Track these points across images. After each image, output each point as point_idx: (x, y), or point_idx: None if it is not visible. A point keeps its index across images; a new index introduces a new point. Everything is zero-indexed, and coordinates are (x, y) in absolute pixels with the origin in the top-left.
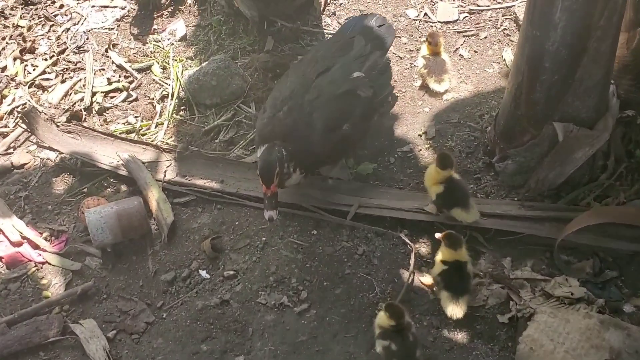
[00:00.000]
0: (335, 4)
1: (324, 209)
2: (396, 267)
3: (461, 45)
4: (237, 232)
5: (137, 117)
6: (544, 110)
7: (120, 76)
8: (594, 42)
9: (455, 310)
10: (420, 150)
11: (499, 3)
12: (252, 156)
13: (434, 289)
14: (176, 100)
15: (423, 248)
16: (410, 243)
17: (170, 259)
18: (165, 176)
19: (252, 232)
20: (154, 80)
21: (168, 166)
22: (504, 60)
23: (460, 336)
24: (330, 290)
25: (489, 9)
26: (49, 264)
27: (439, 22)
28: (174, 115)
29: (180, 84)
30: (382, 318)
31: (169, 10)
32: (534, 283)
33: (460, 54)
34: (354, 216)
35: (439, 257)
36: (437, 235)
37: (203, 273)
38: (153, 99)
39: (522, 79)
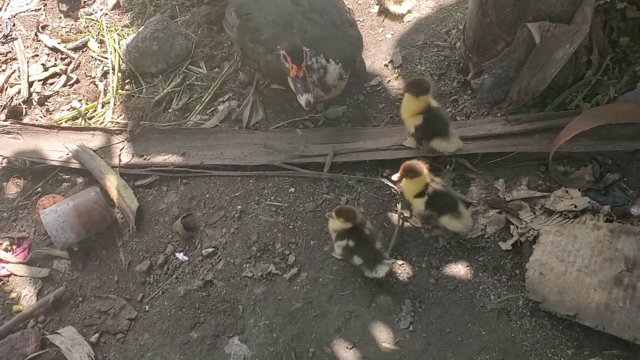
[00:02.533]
0: None
1: (298, 164)
2: (384, 211)
3: None
4: (209, 205)
5: (81, 100)
6: (514, 12)
7: (56, 59)
8: None
9: (459, 224)
10: (389, 81)
11: None
12: (212, 119)
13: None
14: (119, 74)
15: None
16: (393, 185)
17: (142, 248)
18: (120, 160)
19: (225, 203)
20: (92, 57)
21: (122, 149)
22: None
23: (463, 272)
24: (319, 249)
25: None
26: (15, 275)
27: None
28: (120, 90)
29: (120, 56)
30: (335, 223)
31: None
32: (532, 201)
33: None
34: (331, 166)
35: (410, 194)
36: (395, 177)
37: (180, 256)
38: (94, 77)
39: None
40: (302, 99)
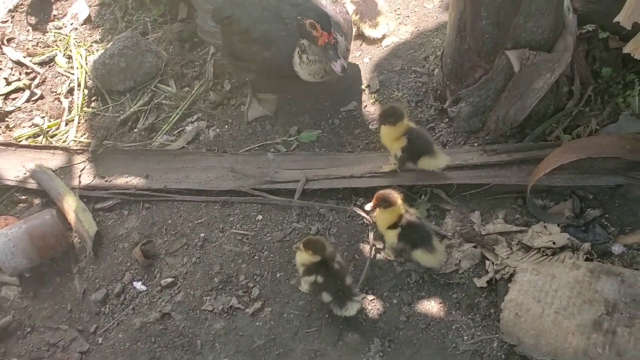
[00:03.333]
0: None
1: (267, 190)
2: (355, 242)
3: None
4: (171, 232)
5: (45, 117)
6: (493, 39)
7: (20, 73)
8: None
9: (432, 259)
10: (366, 106)
11: None
12: (178, 141)
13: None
14: (85, 92)
15: None
16: (366, 215)
17: (99, 275)
18: (80, 181)
19: (187, 230)
20: (59, 72)
21: (83, 169)
22: None
23: (436, 309)
24: (285, 282)
25: None
26: None
27: None
28: (85, 108)
29: (86, 72)
30: (303, 256)
31: None
32: (509, 236)
33: None
34: (303, 193)
35: (383, 225)
36: (368, 206)
37: (138, 285)
38: (60, 93)
39: (464, 7)
40: (337, 65)
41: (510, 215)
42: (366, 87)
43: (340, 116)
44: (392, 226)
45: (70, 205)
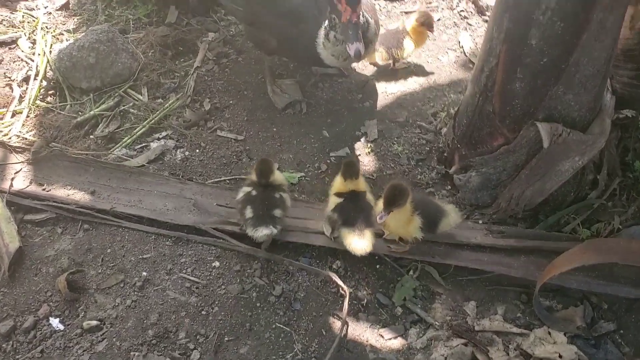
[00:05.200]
0: None
1: (230, 232)
2: (325, 314)
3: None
4: (108, 263)
5: None
6: (524, 106)
7: None
8: (600, 12)
9: (360, 244)
10: (360, 155)
11: None
12: (139, 157)
13: (331, 233)
14: (43, 83)
15: (361, 288)
16: (342, 284)
17: (10, 302)
18: (12, 185)
19: (128, 265)
20: (19, 57)
21: (18, 171)
22: (461, 47)
23: None
24: (233, 350)
25: None
26: None
27: None
28: (38, 101)
29: (48, 61)
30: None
31: None
32: (506, 338)
33: None
34: (272, 242)
35: (332, 190)
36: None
37: (55, 322)
38: (13, 80)
39: (496, 63)
40: (352, 48)
41: (511, 312)
42: (363, 134)
43: (329, 161)
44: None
45: None
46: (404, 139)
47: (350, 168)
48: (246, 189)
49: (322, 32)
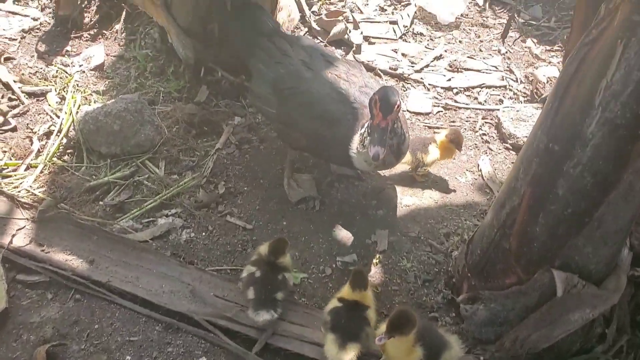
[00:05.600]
0: None
1: (223, 328)
2: None
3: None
4: (93, 340)
5: (7, 152)
6: (542, 250)
7: (2, 96)
8: (631, 174)
9: (338, 356)
10: (367, 264)
11: (479, 103)
12: (144, 232)
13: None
14: (63, 140)
15: None
16: None
17: None
18: (11, 241)
19: (113, 345)
20: (44, 110)
21: (21, 228)
22: (480, 170)
23: None
24: None
25: (467, 108)
26: None
27: (408, 111)
28: (55, 158)
29: (73, 121)
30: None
31: (91, 32)
32: None
33: None
34: (264, 346)
35: (337, 294)
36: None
37: None
38: (34, 133)
39: (518, 203)
40: (372, 150)
41: None
42: (373, 242)
43: (334, 266)
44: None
45: None
46: (414, 256)
47: (359, 278)
48: (251, 268)
49: (357, 137)
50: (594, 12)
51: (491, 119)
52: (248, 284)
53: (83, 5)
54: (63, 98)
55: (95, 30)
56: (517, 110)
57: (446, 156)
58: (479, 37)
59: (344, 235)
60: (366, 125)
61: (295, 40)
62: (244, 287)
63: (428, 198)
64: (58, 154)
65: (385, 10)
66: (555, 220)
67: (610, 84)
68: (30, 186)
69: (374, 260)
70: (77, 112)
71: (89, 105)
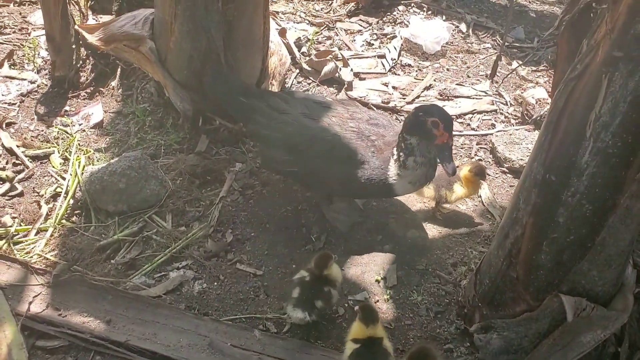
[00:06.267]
0: None
1: None
2: None
3: None
4: None
5: (16, 218)
6: (549, 276)
7: (7, 162)
8: (627, 199)
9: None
10: (378, 301)
11: (473, 129)
12: (157, 287)
13: None
14: (70, 202)
15: None
16: None
17: None
18: (29, 308)
19: None
20: (49, 172)
21: (37, 295)
22: (479, 196)
23: None
24: None
25: (461, 135)
26: None
27: None
28: (64, 221)
29: (79, 182)
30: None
31: (88, 91)
32: None
33: None
34: None
35: (349, 336)
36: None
37: None
38: (42, 196)
39: (522, 233)
40: (450, 167)
41: None
42: (382, 278)
43: (346, 305)
44: None
45: (7, 336)
46: (424, 289)
47: (370, 312)
48: (303, 272)
49: (392, 164)
50: (577, 46)
51: (485, 144)
52: (296, 284)
53: (78, 65)
54: (66, 159)
55: (92, 89)
56: (510, 134)
57: (473, 192)
58: (466, 63)
59: (353, 273)
60: (396, 149)
61: (290, 95)
62: (292, 287)
63: (432, 229)
64: (66, 215)
65: (372, 44)
66: (559, 247)
67: (599, 116)
68: (42, 250)
69: (385, 297)
70: (82, 173)
71: (93, 164)
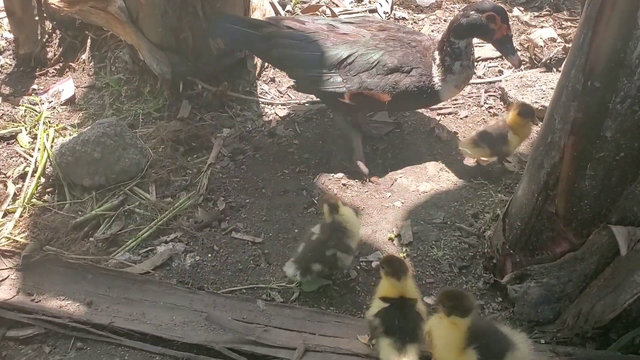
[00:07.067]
0: (274, 68)
1: (248, 353)
2: None
3: (436, 124)
4: None
5: None
6: (594, 207)
7: None
8: None
9: None
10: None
11: (479, 77)
12: (144, 263)
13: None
14: (41, 179)
15: None
16: None
17: None
18: None
19: None
20: (17, 152)
21: (4, 278)
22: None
23: None
24: None
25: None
26: None
27: None
28: (34, 199)
29: (49, 156)
30: None
31: (57, 67)
32: None
33: (436, 135)
34: None
35: (377, 294)
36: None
37: None
38: (9, 177)
39: (560, 158)
40: (515, 58)
41: None
42: (395, 236)
43: (359, 267)
44: None
45: None
46: (444, 243)
47: (395, 264)
48: (315, 229)
49: (435, 69)
50: None
51: (494, 91)
52: (304, 240)
53: (44, 40)
54: (35, 137)
55: (61, 64)
56: (521, 77)
57: (526, 135)
58: None
59: (364, 233)
60: (437, 53)
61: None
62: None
63: (446, 181)
64: (37, 194)
65: (362, 0)
66: (606, 168)
67: None
68: (11, 233)
69: (401, 255)
70: (51, 147)
71: (61, 137)
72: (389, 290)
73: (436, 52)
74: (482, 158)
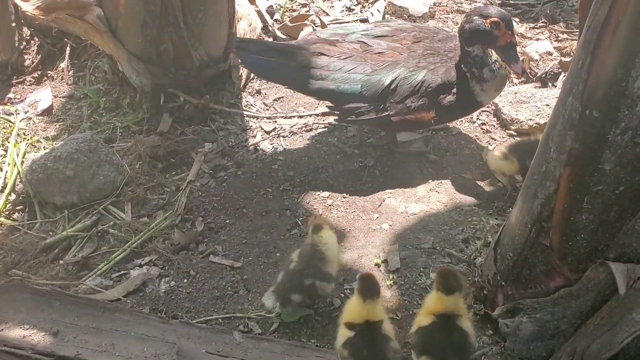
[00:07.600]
0: (260, 80)
1: None
2: None
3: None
4: None
5: None
6: (591, 242)
7: None
8: None
9: None
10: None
11: None
12: (116, 288)
13: None
14: (10, 197)
15: None
16: None
17: None
18: None
19: None
20: None
21: None
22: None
23: None
24: None
25: None
26: None
27: None
28: (3, 218)
29: (19, 172)
30: None
31: (35, 75)
32: None
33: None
34: None
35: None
36: None
37: None
38: None
39: (555, 189)
40: (518, 66)
41: None
42: (382, 262)
43: (343, 295)
44: None
45: None
46: (432, 270)
47: (369, 284)
48: (294, 255)
49: (472, 82)
50: None
51: (487, 107)
52: (282, 269)
53: (22, 47)
54: (7, 151)
55: (39, 72)
56: (515, 93)
57: None
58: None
59: (349, 258)
60: (465, 67)
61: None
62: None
63: (436, 202)
64: (6, 212)
65: (353, 9)
66: (605, 202)
67: None
68: None
69: (387, 282)
70: (22, 163)
71: (32, 152)
72: (355, 313)
73: (462, 66)
74: (506, 173)
